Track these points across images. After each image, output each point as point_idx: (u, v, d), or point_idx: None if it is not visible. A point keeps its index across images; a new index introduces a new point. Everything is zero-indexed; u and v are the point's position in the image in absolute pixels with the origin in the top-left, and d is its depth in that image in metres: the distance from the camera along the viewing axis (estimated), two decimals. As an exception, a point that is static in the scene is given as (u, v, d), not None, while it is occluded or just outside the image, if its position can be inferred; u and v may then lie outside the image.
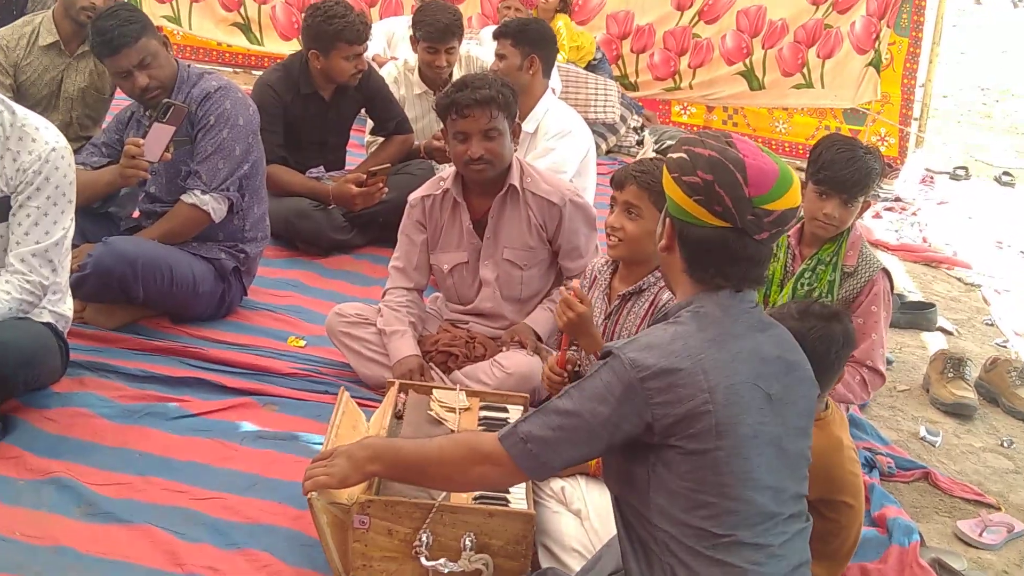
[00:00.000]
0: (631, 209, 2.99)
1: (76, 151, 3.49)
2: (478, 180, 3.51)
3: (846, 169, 3.30)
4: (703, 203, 2.05)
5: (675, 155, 2.13)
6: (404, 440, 2.30)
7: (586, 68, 7.40)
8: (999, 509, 3.48)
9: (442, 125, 3.66)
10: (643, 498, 2.05)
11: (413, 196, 3.66)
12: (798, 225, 3.57)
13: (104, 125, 4.40)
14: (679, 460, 1.98)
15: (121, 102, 4.18)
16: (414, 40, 5.29)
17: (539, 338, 3.56)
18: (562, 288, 3.03)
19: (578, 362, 3.11)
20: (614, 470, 2.15)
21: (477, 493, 2.58)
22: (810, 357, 2.28)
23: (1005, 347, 5.00)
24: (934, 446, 3.87)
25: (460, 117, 3.39)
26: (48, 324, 3.10)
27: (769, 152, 2.13)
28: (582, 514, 2.71)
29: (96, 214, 3.93)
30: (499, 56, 4.76)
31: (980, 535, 3.28)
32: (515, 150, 3.56)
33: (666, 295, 2.97)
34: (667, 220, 2.16)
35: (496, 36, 4.80)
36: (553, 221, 3.56)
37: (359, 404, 3.20)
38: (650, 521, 2.03)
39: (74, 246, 3.23)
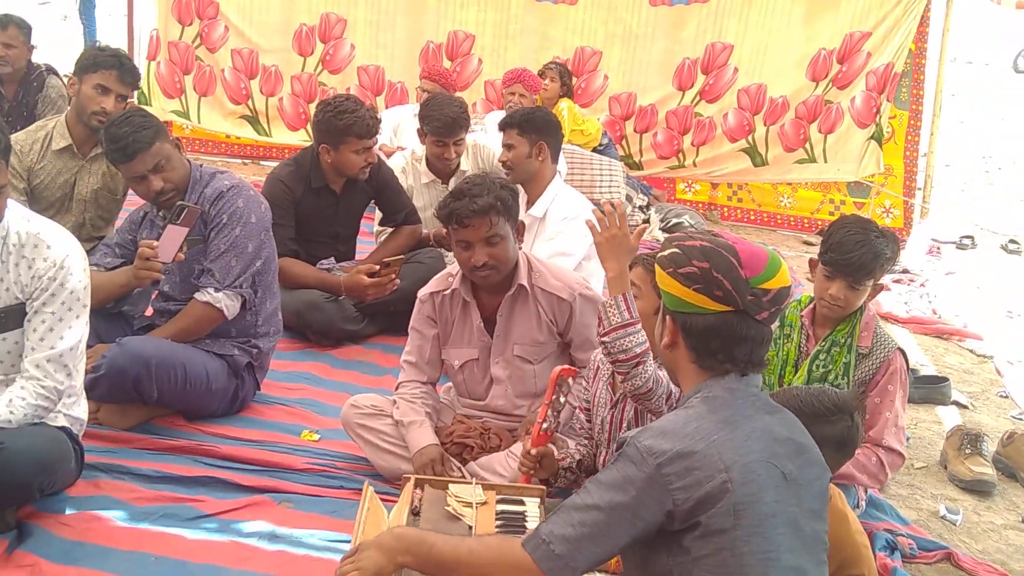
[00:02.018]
0: (631, 288, 3.04)
1: (89, 252, 3.53)
2: (486, 284, 3.54)
3: (853, 252, 3.32)
4: (703, 290, 2.12)
5: (666, 253, 2.21)
6: (437, 536, 2.26)
7: (592, 151, 7.49)
8: (1024, 589, 3.44)
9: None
10: (666, 591, 2.05)
11: (423, 292, 3.69)
12: (811, 306, 3.59)
13: (117, 225, 4.45)
14: (700, 544, 1.99)
15: (133, 202, 4.24)
16: (421, 133, 5.37)
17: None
18: (606, 203, 3.02)
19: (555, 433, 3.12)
20: (635, 566, 2.14)
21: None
22: (848, 448, 2.60)
23: (1021, 419, 4.97)
24: (955, 525, 3.82)
25: (461, 227, 3.42)
26: (63, 428, 3.11)
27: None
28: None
29: (109, 313, 3.95)
30: (507, 146, 4.83)
31: (1007, 618, 3.24)
32: (519, 247, 3.58)
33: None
34: (667, 318, 2.21)
35: (502, 127, 4.88)
36: (563, 316, 3.58)
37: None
38: (674, 614, 2.02)
39: (88, 346, 3.25)
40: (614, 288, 2.91)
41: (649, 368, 2.86)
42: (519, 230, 3.56)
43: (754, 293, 2.11)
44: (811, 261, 3.59)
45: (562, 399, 3.11)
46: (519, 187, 4.95)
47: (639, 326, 2.86)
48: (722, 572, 1.98)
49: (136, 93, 8.13)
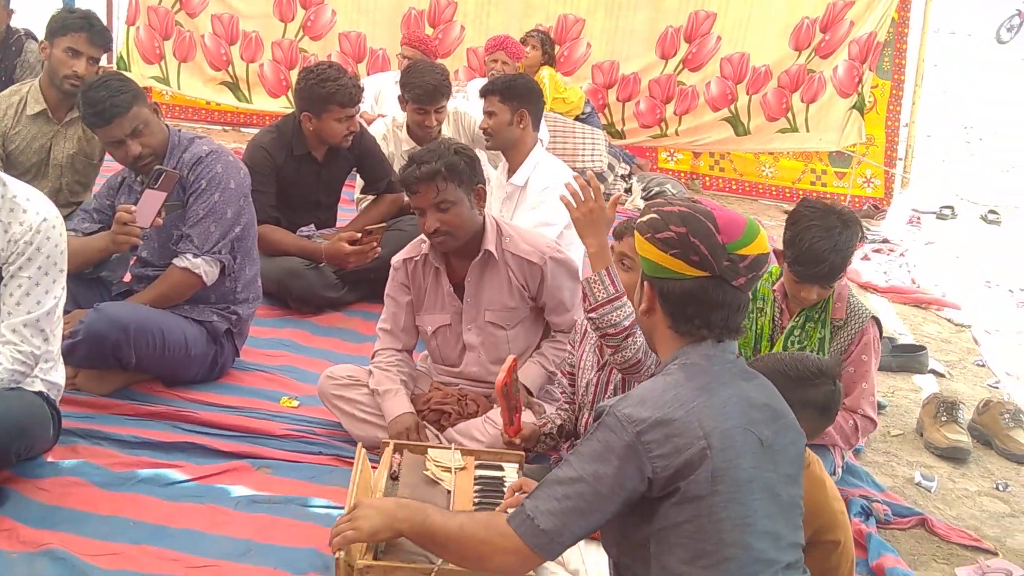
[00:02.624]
0: (624, 260, 3.03)
1: (66, 217, 3.49)
2: (443, 250, 3.55)
3: (824, 263, 3.29)
4: (680, 255, 2.12)
5: (645, 218, 2.20)
6: (435, 509, 2.25)
7: (575, 120, 7.47)
8: (996, 554, 3.47)
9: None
10: (643, 557, 2.06)
11: (396, 259, 3.70)
12: (782, 280, 3.58)
13: (94, 190, 4.42)
14: (678, 510, 2.00)
15: (111, 167, 4.21)
16: (403, 100, 5.34)
17: (530, 392, 3.56)
18: (578, 177, 3.04)
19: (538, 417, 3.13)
20: (613, 533, 2.15)
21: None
22: (830, 412, 2.68)
23: (997, 388, 5.01)
24: (930, 491, 3.87)
25: (411, 193, 3.45)
26: (40, 393, 3.09)
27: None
28: (579, 574, 2.70)
29: (87, 279, 3.92)
30: (488, 113, 4.80)
31: (979, 582, 3.28)
32: (481, 213, 3.56)
33: None
34: (644, 283, 2.22)
35: (484, 94, 4.84)
36: (535, 280, 3.58)
37: (352, 464, 3.19)
38: (651, 579, 2.03)
39: (65, 312, 3.23)
40: (596, 263, 2.90)
41: (639, 339, 2.85)
42: (479, 194, 3.54)
43: (731, 259, 2.10)
44: (776, 252, 3.53)
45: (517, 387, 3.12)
46: (500, 155, 4.94)
47: (625, 299, 2.85)
48: (699, 538, 1.99)
49: (116, 59, 8.08)
